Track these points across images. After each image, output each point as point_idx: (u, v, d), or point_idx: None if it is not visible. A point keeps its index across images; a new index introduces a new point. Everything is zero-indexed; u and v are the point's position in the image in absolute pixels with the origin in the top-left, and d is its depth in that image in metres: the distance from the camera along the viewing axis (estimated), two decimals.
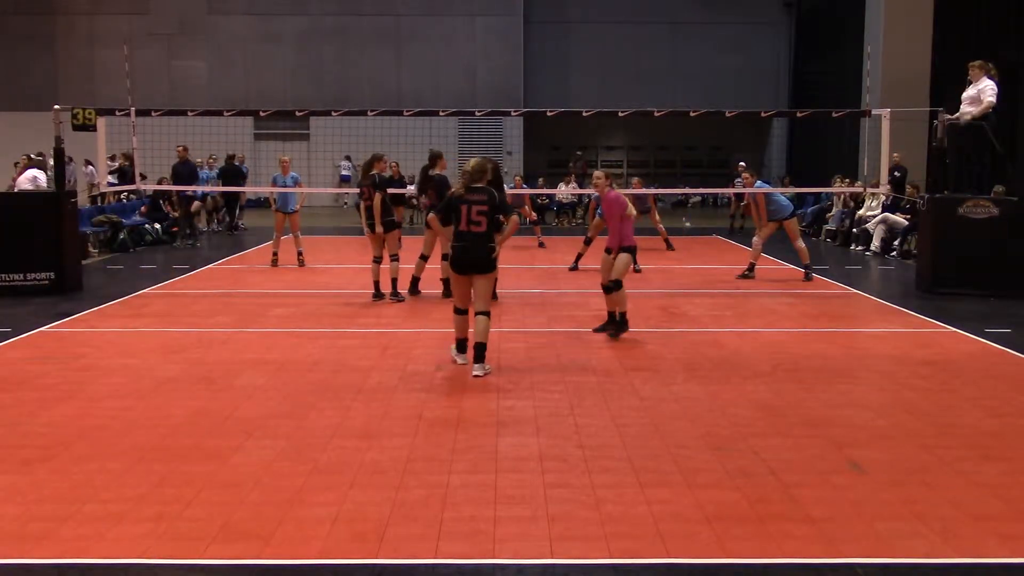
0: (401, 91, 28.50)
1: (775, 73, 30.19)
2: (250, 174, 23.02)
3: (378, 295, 10.74)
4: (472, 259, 7.38)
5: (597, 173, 8.98)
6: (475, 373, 7.28)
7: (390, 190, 11.35)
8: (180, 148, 17.50)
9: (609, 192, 8.75)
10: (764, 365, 7.72)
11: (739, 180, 21.99)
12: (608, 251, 8.85)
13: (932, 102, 18.44)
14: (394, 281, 10.79)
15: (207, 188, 19.71)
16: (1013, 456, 5.46)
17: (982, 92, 11.53)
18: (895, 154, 17.26)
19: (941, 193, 11.88)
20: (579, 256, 13.94)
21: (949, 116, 11.93)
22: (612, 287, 8.70)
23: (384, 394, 6.76)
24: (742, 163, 22.91)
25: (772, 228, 12.81)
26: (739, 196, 21.09)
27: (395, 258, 10.85)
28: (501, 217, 7.47)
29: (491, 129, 28.23)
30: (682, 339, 8.74)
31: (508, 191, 11.78)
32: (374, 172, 10.88)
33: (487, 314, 7.39)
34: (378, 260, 10.84)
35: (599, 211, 13.55)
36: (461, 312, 7.60)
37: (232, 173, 20.30)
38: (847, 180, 18.08)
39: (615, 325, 8.84)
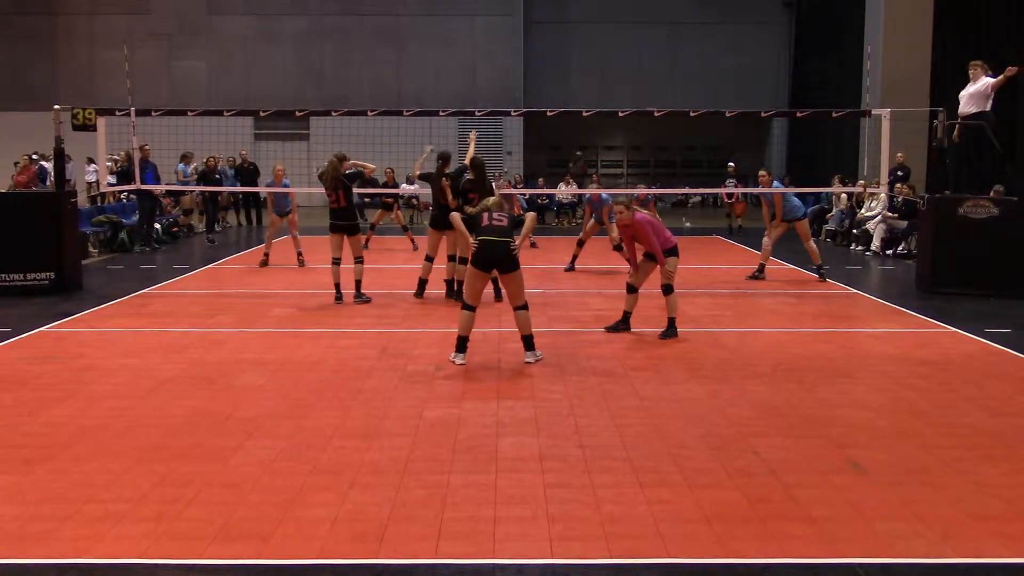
0: (401, 91, 28.49)
1: (775, 73, 30.15)
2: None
3: (339, 297, 10.80)
4: (495, 256, 7.61)
5: (618, 208, 8.76)
6: (526, 360, 7.69)
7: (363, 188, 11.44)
8: (145, 147, 17.12)
9: (635, 215, 8.70)
10: (764, 365, 7.72)
11: (731, 180, 22.05)
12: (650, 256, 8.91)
13: (932, 102, 18.44)
14: (357, 283, 10.84)
15: (215, 189, 19.87)
16: (1013, 456, 5.46)
17: (984, 87, 11.65)
18: (899, 154, 17.26)
19: (941, 193, 11.88)
20: (574, 257, 13.94)
21: (963, 119, 11.93)
22: (665, 291, 8.84)
23: (384, 394, 6.76)
24: (731, 163, 22.96)
25: (783, 229, 12.80)
26: (730, 195, 21.13)
27: (359, 260, 10.92)
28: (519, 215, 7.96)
29: (491, 129, 28.18)
30: (682, 339, 8.73)
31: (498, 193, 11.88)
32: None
33: (525, 307, 7.74)
34: (337, 262, 10.88)
35: (608, 216, 13.55)
36: (470, 308, 7.69)
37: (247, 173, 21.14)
38: (848, 181, 18.06)
39: (627, 325, 9.00)
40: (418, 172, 12.10)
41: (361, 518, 4.48)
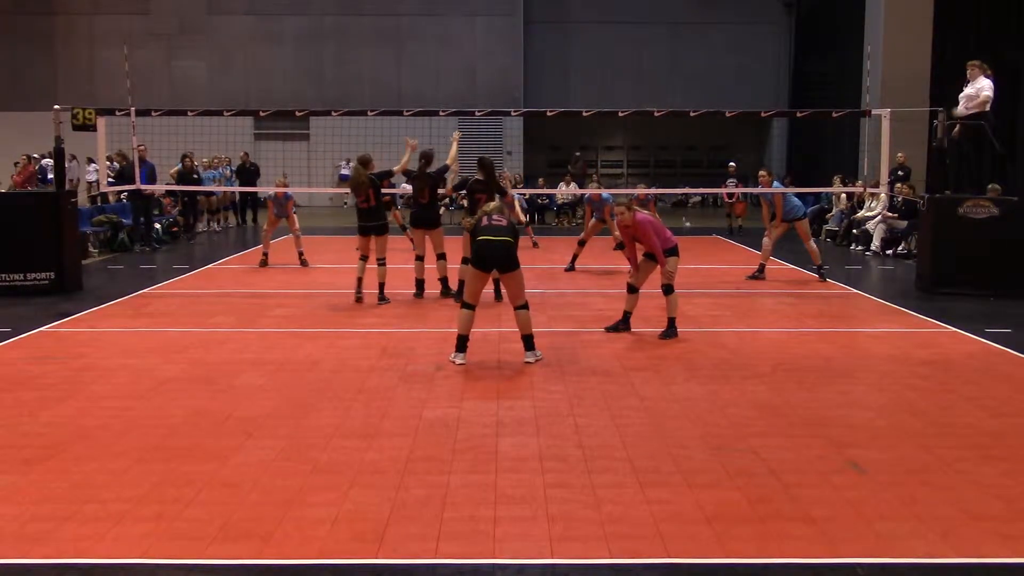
0: (401, 91, 28.50)
1: (775, 73, 30.16)
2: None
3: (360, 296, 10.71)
4: (495, 255, 7.59)
5: (619, 209, 8.72)
6: (526, 360, 7.67)
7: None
8: (141, 147, 17.07)
9: (636, 215, 8.69)
10: (764, 365, 7.72)
11: (731, 180, 22.07)
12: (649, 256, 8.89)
13: (932, 102, 18.43)
14: (381, 286, 10.76)
15: (217, 188, 19.99)
16: (1013, 456, 5.46)
17: (980, 90, 11.61)
18: (900, 154, 17.26)
19: (941, 193, 11.88)
20: (575, 257, 13.93)
21: (955, 116, 11.94)
22: (665, 291, 8.81)
23: (384, 394, 6.76)
24: (732, 163, 22.97)
25: (784, 229, 12.80)
26: (730, 195, 21.14)
27: (382, 262, 10.82)
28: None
29: (491, 129, 28.20)
30: (682, 339, 8.73)
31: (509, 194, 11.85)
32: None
33: (525, 307, 7.71)
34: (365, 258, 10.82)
35: (610, 215, 13.48)
36: (469, 307, 7.68)
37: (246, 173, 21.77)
38: (848, 181, 18.05)
39: (627, 325, 8.98)
40: (399, 170, 12.00)
41: (361, 518, 4.48)
